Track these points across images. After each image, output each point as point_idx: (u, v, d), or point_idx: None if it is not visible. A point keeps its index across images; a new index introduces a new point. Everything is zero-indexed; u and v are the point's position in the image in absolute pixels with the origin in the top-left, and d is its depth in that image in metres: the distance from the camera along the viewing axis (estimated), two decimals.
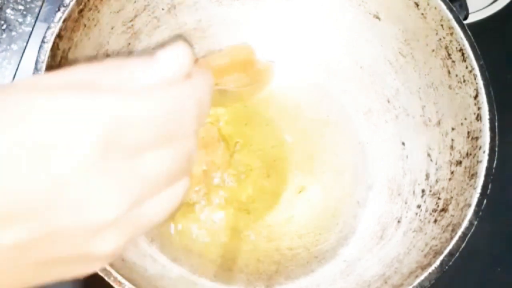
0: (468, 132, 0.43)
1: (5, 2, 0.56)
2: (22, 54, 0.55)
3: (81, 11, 0.41)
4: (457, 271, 0.40)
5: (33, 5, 0.57)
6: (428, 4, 0.45)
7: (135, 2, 0.46)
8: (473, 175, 0.41)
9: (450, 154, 0.44)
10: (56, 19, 0.39)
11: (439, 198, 0.43)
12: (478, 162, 0.41)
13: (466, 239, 0.38)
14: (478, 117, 0.42)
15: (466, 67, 0.43)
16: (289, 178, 0.50)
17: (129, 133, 0.20)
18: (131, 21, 0.46)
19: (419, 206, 0.45)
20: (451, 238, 0.38)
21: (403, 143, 0.49)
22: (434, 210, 0.43)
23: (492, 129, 0.41)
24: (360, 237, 0.47)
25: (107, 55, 0.46)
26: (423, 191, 0.45)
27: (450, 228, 0.40)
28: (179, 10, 0.50)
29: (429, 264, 0.38)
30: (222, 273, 0.45)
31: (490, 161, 0.40)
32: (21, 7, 0.56)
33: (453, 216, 0.40)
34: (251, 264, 0.46)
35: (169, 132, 0.21)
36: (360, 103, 0.52)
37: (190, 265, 0.44)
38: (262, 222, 0.48)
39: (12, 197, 0.18)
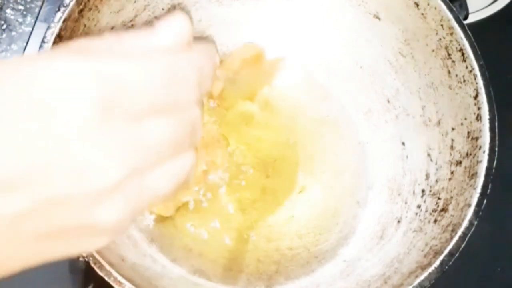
0: (468, 132, 0.43)
1: (5, 2, 0.56)
2: (22, 54, 0.55)
3: (81, 11, 0.41)
4: (457, 271, 0.40)
5: (33, 5, 0.57)
6: (428, 4, 0.45)
7: (135, 2, 0.46)
8: (473, 175, 0.41)
9: (450, 154, 0.44)
10: (56, 19, 0.39)
11: (439, 198, 0.43)
12: (478, 162, 0.41)
13: (466, 239, 0.38)
14: (478, 117, 0.42)
15: (466, 67, 0.43)
16: (289, 178, 0.50)
17: (129, 97, 0.20)
18: (131, 21, 0.46)
19: (419, 206, 0.45)
20: (451, 238, 0.38)
21: (403, 143, 0.49)
22: (434, 210, 0.43)
23: (492, 129, 0.41)
24: (360, 237, 0.47)
25: None
26: (423, 191, 0.45)
27: (450, 228, 0.40)
28: (179, 10, 0.50)
29: (429, 264, 0.38)
30: (222, 273, 0.45)
31: (490, 161, 0.40)
32: (21, 7, 0.56)
33: (453, 216, 0.40)
34: (251, 264, 0.46)
35: (169, 98, 0.21)
36: (360, 103, 0.52)
37: (190, 265, 0.44)
38: (262, 222, 0.48)
39: (10, 164, 0.18)
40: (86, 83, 0.19)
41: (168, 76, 0.21)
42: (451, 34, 0.44)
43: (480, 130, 0.41)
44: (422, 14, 0.45)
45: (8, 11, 0.56)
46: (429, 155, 0.46)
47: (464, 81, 0.43)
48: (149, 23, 0.48)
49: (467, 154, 0.42)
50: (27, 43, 0.55)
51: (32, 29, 0.55)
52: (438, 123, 0.46)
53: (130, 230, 0.44)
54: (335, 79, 0.53)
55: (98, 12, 0.42)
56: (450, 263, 0.37)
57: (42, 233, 0.20)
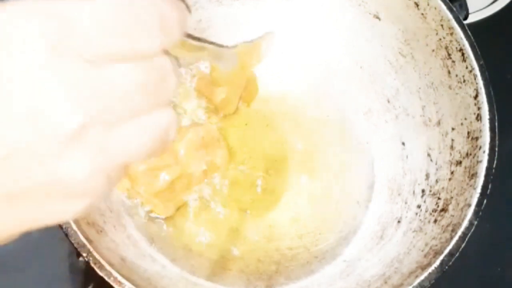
0: (468, 132, 0.43)
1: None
2: None
3: None
4: (457, 271, 0.40)
5: None
6: (428, 4, 0.45)
7: None
8: (473, 175, 0.41)
9: (450, 154, 0.44)
10: None
11: (439, 198, 0.43)
12: (478, 162, 0.41)
13: (466, 239, 0.38)
14: (478, 117, 0.42)
15: (466, 67, 0.43)
16: (289, 178, 0.50)
17: (83, 38, 0.19)
18: None
19: (419, 206, 0.45)
20: (451, 238, 0.38)
21: (403, 143, 0.49)
22: (434, 210, 0.43)
23: (492, 129, 0.41)
24: (360, 237, 0.47)
25: None
26: (423, 191, 0.45)
27: (450, 228, 0.40)
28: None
29: (429, 264, 0.38)
30: (222, 273, 0.45)
31: (490, 161, 0.40)
32: None
33: (453, 216, 0.41)
34: (251, 264, 0.46)
35: (128, 41, 0.20)
36: (360, 103, 0.52)
37: (190, 265, 0.44)
38: (262, 222, 0.48)
39: None
40: (34, 23, 0.18)
41: (124, 17, 0.19)
42: (451, 34, 0.44)
43: (480, 130, 0.41)
44: (422, 14, 0.45)
45: None
46: (429, 155, 0.46)
47: (464, 81, 0.43)
48: None
49: (467, 154, 0.42)
50: None
51: None
52: (438, 123, 0.46)
53: (130, 230, 0.44)
54: (335, 79, 0.53)
55: None
56: (450, 263, 0.37)
57: (7, 193, 0.19)
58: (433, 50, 0.46)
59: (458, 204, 0.41)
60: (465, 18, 0.47)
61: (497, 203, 0.46)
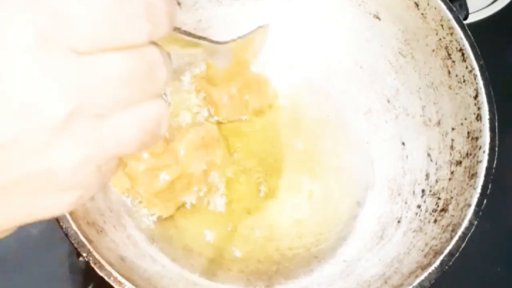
0: (468, 132, 0.43)
1: None
2: None
3: None
4: (457, 271, 0.40)
5: None
6: (428, 4, 0.45)
7: None
8: (473, 175, 0.41)
9: (450, 154, 0.44)
10: None
11: (439, 198, 0.43)
12: (478, 162, 0.41)
13: (466, 239, 0.38)
14: (478, 117, 0.42)
15: (466, 67, 0.43)
16: (289, 178, 0.50)
17: (68, 27, 0.18)
18: None
19: (419, 206, 0.45)
20: (451, 238, 0.38)
21: (403, 143, 0.49)
22: (434, 210, 0.43)
23: (492, 129, 0.41)
24: (360, 237, 0.47)
25: None
26: (423, 191, 0.45)
27: (450, 228, 0.40)
28: (179, 10, 0.50)
29: (429, 264, 0.38)
30: (222, 273, 0.45)
31: (490, 161, 0.40)
32: None
33: (453, 216, 0.41)
34: (251, 264, 0.46)
35: (116, 29, 0.20)
36: (360, 103, 0.52)
37: (190, 265, 0.44)
38: (262, 222, 0.48)
39: None
40: (21, 15, 0.18)
41: (111, 7, 0.19)
42: (451, 34, 0.44)
43: (480, 130, 0.41)
44: (422, 14, 0.45)
45: None
46: (429, 155, 0.46)
47: (464, 81, 0.43)
48: None
49: (467, 154, 0.42)
50: None
51: None
52: (438, 123, 0.46)
53: (130, 230, 0.44)
54: (335, 79, 0.53)
55: None
56: (450, 263, 0.37)
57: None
58: (433, 50, 0.46)
59: (458, 204, 0.41)
60: (465, 18, 0.47)
61: (497, 203, 0.46)
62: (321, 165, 0.50)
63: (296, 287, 0.45)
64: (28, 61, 0.18)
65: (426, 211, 0.44)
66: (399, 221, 0.46)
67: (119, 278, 0.35)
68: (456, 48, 0.44)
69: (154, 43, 0.21)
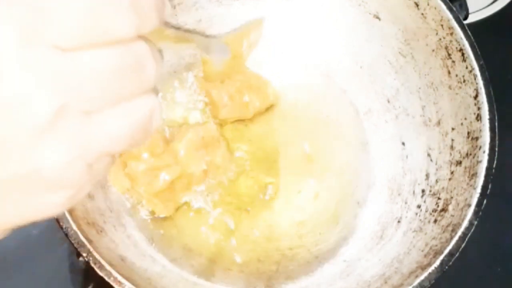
0: (468, 132, 0.43)
1: None
2: None
3: None
4: (457, 271, 0.40)
5: None
6: (428, 4, 0.45)
7: None
8: (473, 175, 0.41)
9: (450, 154, 0.44)
10: None
11: (439, 198, 0.43)
12: (478, 162, 0.41)
13: (466, 239, 0.38)
14: (478, 117, 0.42)
15: (466, 67, 0.43)
16: (289, 178, 0.50)
17: (51, 24, 0.18)
18: None
19: (419, 206, 0.45)
20: (451, 238, 0.38)
21: (403, 143, 0.49)
22: (434, 210, 0.43)
23: (492, 129, 0.41)
24: (360, 237, 0.47)
25: None
26: (423, 191, 0.45)
27: (450, 228, 0.40)
28: (179, 10, 0.50)
29: (429, 264, 0.38)
30: (222, 273, 0.45)
31: (490, 161, 0.40)
32: None
33: (453, 216, 0.41)
34: (251, 264, 0.46)
35: (100, 23, 0.19)
36: (360, 103, 0.52)
37: (190, 265, 0.44)
38: (262, 222, 0.48)
39: None
40: (1, 12, 0.17)
41: (94, 3, 0.19)
42: (451, 34, 0.44)
43: (480, 130, 0.41)
44: (422, 14, 0.45)
45: None
46: (429, 155, 0.46)
47: (464, 81, 0.43)
48: None
49: (467, 154, 0.42)
50: None
51: None
52: (438, 123, 0.46)
53: (130, 230, 0.44)
54: (335, 79, 0.53)
55: None
56: (450, 263, 0.37)
57: None
58: (433, 50, 0.46)
59: (458, 204, 0.41)
60: (465, 18, 0.47)
61: (497, 203, 0.46)
62: (321, 165, 0.50)
63: (296, 287, 0.45)
64: (12, 60, 0.17)
65: (426, 211, 0.44)
66: (399, 221, 0.46)
67: (119, 278, 0.35)
68: (456, 48, 0.44)
69: (142, 37, 0.21)
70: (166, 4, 0.22)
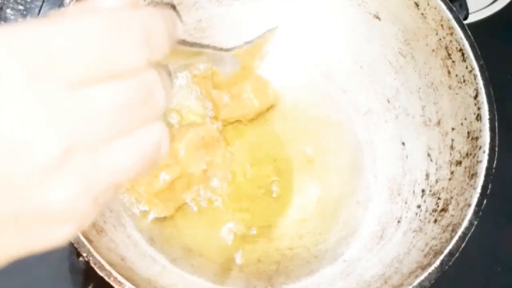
0: (468, 132, 0.43)
1: (5, 2, 0.56)
2: None
3: None
4: (457, 271, 0.40)
5: (33, 5, 0.57)
6: (428, 4, 0.45)
7: None
8: (473, 175, 0.41)
9: (450, 154, 0.44)
10: None
11: (439, 198, 0.43)
12: (478, 162, 0.41)
13: (466, 239, 0.38)
14: (478, 117, 0.42)
15: (466, 67, 0.43)
16: (288, 178, 0.50)
17: (61, 62, 0.18)
18: None
19: (419, 206, 0.45)
20: (451, 238, 0.38)
21: (403, 143, 0.49)
22: (434, 210, 0.43)
23: (492, 129, 0.41)
24: (360, 237, 0.47)
25: None
26: (423, 191, 0.45)
27: (450, 228, 0.40)
28: (179, 10, 0.50)
29: (429, 264, 0.38)
30: (222, 273, 0.45)
31: (490, 161, 0.40)
32: (21, 7, 0.56)
33: (453, 216, 0.41)
34: (251, 264, 0.46)
35: (109, 60, 0.19)
36: (360, 103, 0.52)
37: (190, 265, 0.44)
38: (262, 221, 0.48)
39: None
40: (9, 50, 0.17)
41: (104, 35, 0.19)
42: (451, 34, 0.44)
43: (480, 130, 0.41)
44: (422, 14, 0.45)
45: (8, 11, 0.56)
46: (429, 155, 0.46)
47: (464, 81, 0.43)
48: None
49: (467, 154, 0.42)
50: None
51: None
52: (438, 123, 0.46)
53: (130, 230, 0.44)
54: (335, 79, 0.53)
55: None
56: (450, 263, 0.37)
57: None
58: (433, 50, 0.46)
59: (458, 204, 0.41)
60: (465, 18, 0.47)
61: (497, 203, 0.46)
62: (321, 165, 0.50)
63: (296, 287, 0.45)
64: (20, 99, 0.17)
65: (426, 211, 0.44)
66: (399, 221, 0.46)
67: (119, 278, 0.35)
68: (456, 48, 0.44)
69: (153, 63, 0.20)
70: (177, 26, 0.22)
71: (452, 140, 0.44)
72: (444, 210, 0.42)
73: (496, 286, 0.54)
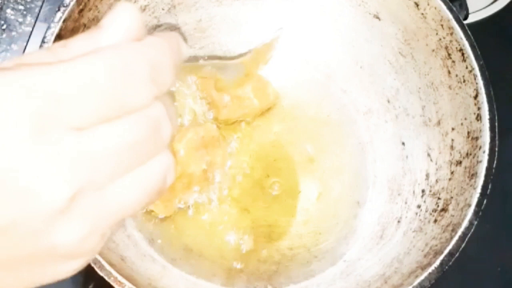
0: (468, 132, 0.43)
1: (5, 2, 0.56)
2: (22, 54, 0.55)
3: (81, 11, 0.41)
4: (457, 271, 0.40)
5: (33, 5, 0.57)
6: (428, 4, 0.45)
7: (135, 2, 0.46)
8: (473, 175, 0.41)
9: (450, 154, 0.44)
10: (56, 19, 0.39)
11: (439, 198, 0.43)
12: (478, 162, 0.41)
13: (466, 239, 0.38)
14: (478, 117, 0.42)
15: (466, 67, 0.43)
16: (288, 178, 0.50)
17: (67, 106, 0.18)
18: None
19: (419, 206, 0.45)
20: (451, 238, 0.38)
21: (403, 143, 0.49)
22: (434, 210, 0.43)
23: (492, 129, 0.41)
24: (360, 237, 0.47)
25: None
26: (423, 191, 0.45)
27: (450, 228, 0.40)
28: (179, 10, 0.50)
29: (429, 264, 0.38)
30: (221, 273, 0.45)
31: (490, 161, 0.40)
32: (21, 7, 0.56)
33: (453, 216, 0.41)
34: (251, 264, 0.46)
35: (116, 100, 0.19)
36: (360, 103, 0.52)
37: (190, 265, 0.44)
38: (262, 222, 0.48)
39: None
40: (14, 97, 0.17)
41: (110, 76, 0.19)
42: (451, 34, 0.44)
43: (480, 130, 0.41)
44: (422, 14, 0.45)
45: (8, 11, 0.56)
46: (429, 155, 0.46)
47: (464, 81, 0.43)
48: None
49: (467, 154, 0.42)
50: (27, 43, 0.55)
51: (32, 29, 0.55)
52: (438, 123, 0.46)
53: (130, 230, 0.44)
54: (335, 79, 0.53)
55: (98, 12, 0.42)
56: (450, 263, 0.37)
57: (3, 262, 0.19)
58: (433, 50, 0.46)
59: (458, 204, 0.41)
60: (465, 18, 0.47)
61: (497, 203, 0.46)
62: (321, 165, 0.51)
63: (296, 287, 0.45)
64: (27, 147, 0.17)
65: (426, 211, 0.44)
66: (399, 221, 0.46)
67: (119, 278, 0.35)
68: (456, 48, 0.44)
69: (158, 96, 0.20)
70: (183, 51, 0.22)
71: (452, 140, 0.44)
72: (444, 210, 0.42)
73: (496, 286, 0.54)
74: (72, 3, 0.39)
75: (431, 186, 0.45)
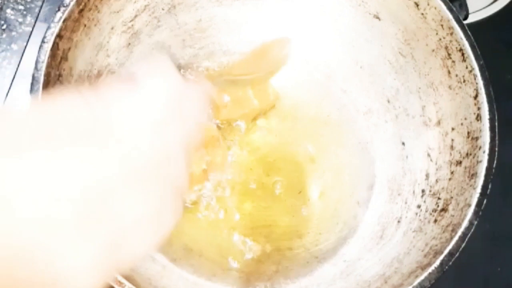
0: (468, 132, 0.43)
1: (5, 2, 0.56)
2: (22, 54, 0.55)
3: (81, 11, 0.41)
4: (458, 271, 0.40)
5: (33, 5, 0.57)
6: (428, 4, 0.45)
7: (135, 2, 0.46)
8: (473, 175, 0.40)
9: (450, 154, 0.44)
10: (56, 19, 0.39)
11: (439, 198, 0.43)
12: (478, 162, 0.41)
13: (466, 239, 0.38)
14: (478, 117, 0.42)
15: (466, 67, 0.43)
16: (288, 178, 0.50)
17: (106, 189, 0.19)
18: (131, 21, 0.46)
19: (419, 206, 0.45)
20: (451, 238, 0.38)
21: (403, 143, 0.49)
22: (434, 210, 0.43)
23: (492, 129, 0.41)
24: (360, 237, 0.47)
25: (107, 56, 0.46)
26: (423, 191, 0.45)
27: (450, 228, 0.40)
28: (179, 10, 0.50)
29: (429, 264, 0.38)
30: (221, 273, 0.45)
31: (490, 161, 0.40)
32: (21, 7, 0.56)
33: (453, 216, 0.40)
34: (251, 264, 0.46)
35: (152, 179, 0.20)
36: (360, 103, 0.52)
37: (190, 265, 0.44)
38: (262, 221, 0.48)
39: None
40: (64, 183, 0.18)
41: (149, 158, 0.19)
42: (451, 34, 0.44)
43: (480, 130, 0.41)
44: (422, 14, 0.45)
45: (8, 11, 0.56)
46: (429, 155, 0.46)
47: (464, 81, 0.43)
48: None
49: (467, 154, 0.42)
50: (27, 43, 0.55)
51: (32, 29, 0.55)
52: (438, 123, 0.46)
53: None
54: (335, 79, 0.53)
55: (98, 12, 0.42)
56: (450, 263, 0.37)
57: None
58: (433, 50, 0.46)
59: (458, 204, 0.41)
60: (465, 18, 0.47)
61: (497, 203, 0.46)
62: (321, 165, 0.51)
63: (296, 287, 0.45)
64: (69, 231, 0.18)
65: (426, 211, 0.44)
66: (399, 221, 0.46)
67: (119, 278, 0.35)
68: (456, 48, 0.44)
69: None
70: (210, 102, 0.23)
71: (452, 140, 0.44)
72: (444, 210, 0.42)
73: (496, 286, 0.54)
74: (72, 3, 0.39)
75: (431, 186, 0.45)
